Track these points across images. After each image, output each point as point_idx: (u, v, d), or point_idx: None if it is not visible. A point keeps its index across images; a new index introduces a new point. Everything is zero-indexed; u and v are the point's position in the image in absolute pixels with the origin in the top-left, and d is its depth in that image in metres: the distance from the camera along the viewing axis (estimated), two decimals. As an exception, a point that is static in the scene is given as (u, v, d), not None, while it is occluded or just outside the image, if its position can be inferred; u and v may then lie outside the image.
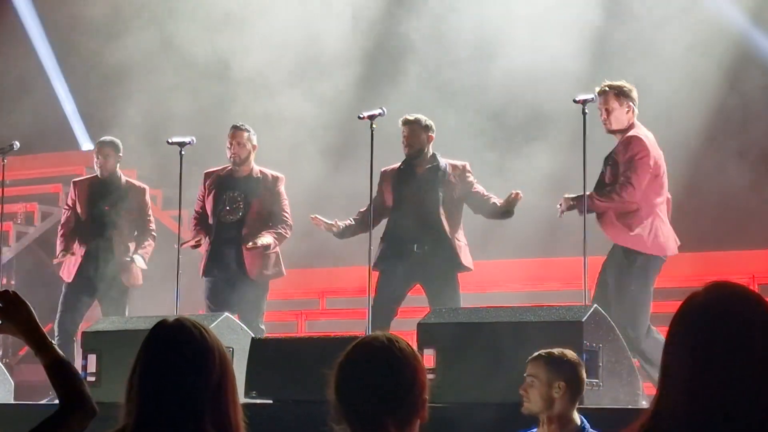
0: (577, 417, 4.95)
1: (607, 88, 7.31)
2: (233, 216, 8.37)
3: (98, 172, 8.96)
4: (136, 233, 8.94)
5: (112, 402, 2.88)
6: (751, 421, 2.19)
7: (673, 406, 2.25)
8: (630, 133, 7.26)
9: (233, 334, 6.83)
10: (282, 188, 8.53)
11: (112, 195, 8.86)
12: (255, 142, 8.48)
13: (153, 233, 9.00)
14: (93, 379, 6.86)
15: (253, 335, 6.91)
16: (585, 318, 5.83)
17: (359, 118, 7.79)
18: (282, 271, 8.46)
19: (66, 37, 13.50)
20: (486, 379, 5.80)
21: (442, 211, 7.92)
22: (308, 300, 12.48)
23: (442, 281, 7.86)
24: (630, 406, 5.98)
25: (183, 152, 8.29)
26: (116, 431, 2.81)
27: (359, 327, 9.06)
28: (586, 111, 7.23)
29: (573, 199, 7.28)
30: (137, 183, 9.20)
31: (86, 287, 8.78)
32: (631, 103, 7.28)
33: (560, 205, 7.34)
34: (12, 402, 7.88)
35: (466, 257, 7.94)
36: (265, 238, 8.28)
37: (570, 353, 5.05)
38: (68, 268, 8.85)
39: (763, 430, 2.20)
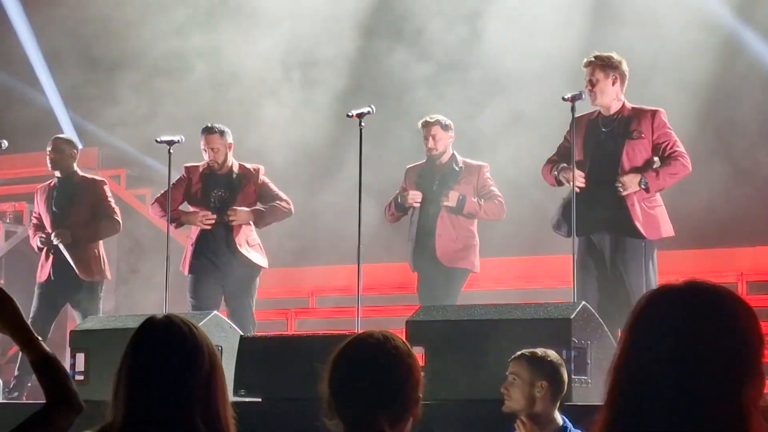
0: (558, 417, 4.97)
1: (593, 59, 7.23)
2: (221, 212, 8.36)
3: (50, 167, 8.96)
4: (100, 227, 8.90)
5: (101, 400, 2.88)
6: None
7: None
8: (648, 108, 7.22)
9: (222, 333, 6.83)
10: (264, 177, 8.55)
11: (70, 193, 8.86)
12: (230, 140, 8.45)
13: (117, 222, 8.95)
14: (81, 377, 6.85)
15: (242, 334, 6.90)
16: (573, 315, 5.84)
17: (348, 116, 7.78)
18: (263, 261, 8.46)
19: (55, 35, 13.48)
20: (475, 377, 5.81)
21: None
22: (298, 299, 12.48)
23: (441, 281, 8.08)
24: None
25: (171, 151, 8.28)
26: (102, 428, 2.80)
27: (349, 325, 9.06)
28: (575, 108, 7.20)
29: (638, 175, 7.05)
30: (95, 177, 9.22)
31: (57, 287, 8.74)
32: (617, 76, 7.21)
33: (620, 185, 7.06)
34: (0, 401, 7.89)
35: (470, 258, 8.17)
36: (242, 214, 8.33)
37: (552, 353, 5.06)
38: (41, 268, 8.84)
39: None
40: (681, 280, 2.26)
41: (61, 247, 8.71)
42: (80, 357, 6.99)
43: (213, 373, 2.78)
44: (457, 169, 8.24)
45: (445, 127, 8.27)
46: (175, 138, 8.24)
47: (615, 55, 7.23)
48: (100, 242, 8.94)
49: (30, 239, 9.19)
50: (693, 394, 2.15)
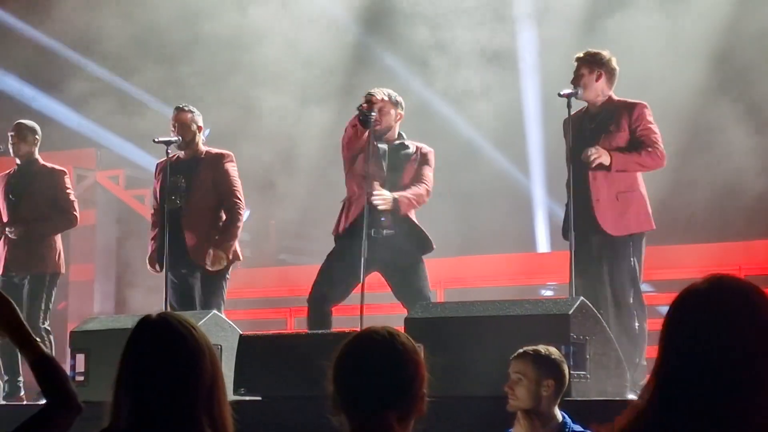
0: (558, 413, 4.99)
1: (582, 55, 7.29)
2: (177, 202, 8.09)
3: (11, 153, 8.82)
4: (56, 221, 8.81)
5: (101, 401, 2.88)
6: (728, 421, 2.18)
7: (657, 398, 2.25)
8: (632, 101, 7.24)
9: (222, 332, 6.83)
10: (230, 166, 8.22)
11: (28, 181, 8.79)
12: (200, 123, 8.23)
13: (74, 216, 8.83)
14: (81, 378, 6.85)
15: (242, 332, 6.91)
16: (572, 311, 5.85)
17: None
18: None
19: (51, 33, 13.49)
20: (474, 373, 5.81)
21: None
22: (297, 297, 12.49)
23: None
24: (617, 398, 6.00)
25: (169, 151, 8.25)
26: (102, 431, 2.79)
27: (349, 323, 9.05)
28: (571, 105, 7.24)
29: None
30: (56, 166, 9.02)
31: (11, 280, 8.67)
32: (602, 72, 7.25)
33: (591, 153, 7.03)
34: (1, 403, 7.90)
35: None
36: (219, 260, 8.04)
37: (555, 350, 5.09)
38: None
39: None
40: (703, 277, 2.28)
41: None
42: (80, 358, 6.99)
43: (216, 374, 2.77)
44: (406, 150, 7.74)
45: (395, 104, 7.72)
46: (173, 138, 8.20)
47: (605, 52, 7.29)
48: (58, 235, 8.83)
49: None
50: (731, 395, 2.17)
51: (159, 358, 2.77)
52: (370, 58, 12.60)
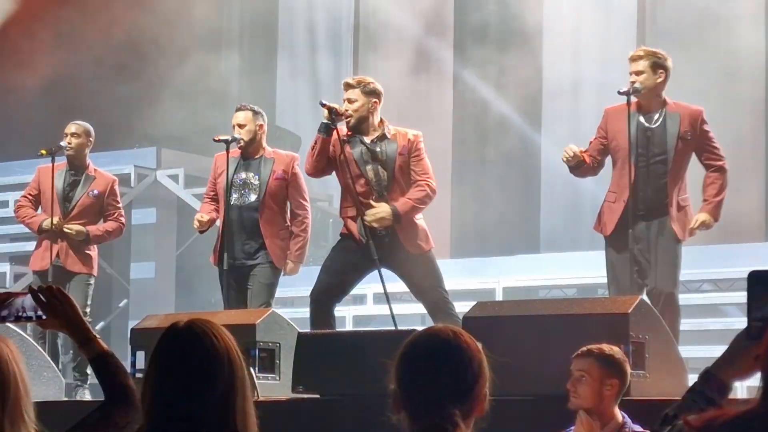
0: (618, 413, 4.97)
1: (641, 53, 7.23)
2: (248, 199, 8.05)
3: (64, 153, 8.88)
4: (110, 230, 8.92)
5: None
6: None
7: None
8: (694, 106, 7.21)
9: (280, 330, 6.86)
10: (299, 169, 8.11)
11: (79, 183, 8.87)
12: (261, 122, 8.10)
13: (122, 223, 8.95)
14: (142, 375, 6.90)
15: (300, 331, 6.94)
16: (631, 309, 5.81)
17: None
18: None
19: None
20: (532, 372, 5.79)
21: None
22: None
23: None
24: (677, 398, 5.95)
25: (230, 149, 8.24)
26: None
27: (405, 323, 9.06)
28: (631, 102, 7.19)
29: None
30: (106, 173, 9.13)
31: (54, 278, 8.72)
32: (662, 72, 7.19)
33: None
34: (63, 399, 7.99)
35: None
36: None
37: (617, 350, 5.08)
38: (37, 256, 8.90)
39: None
40: None
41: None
42: (140, 355, 7.04)
43: (232, 381, 2.75)
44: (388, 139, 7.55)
45: (371, 92, 7.48)
46: (234, 136, 8.17)
47: (663, 52, 7.24)
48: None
49: (21, 214, 9.02)
50: None
51: (178, 365, 2.77)
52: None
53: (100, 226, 8.89)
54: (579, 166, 7.33)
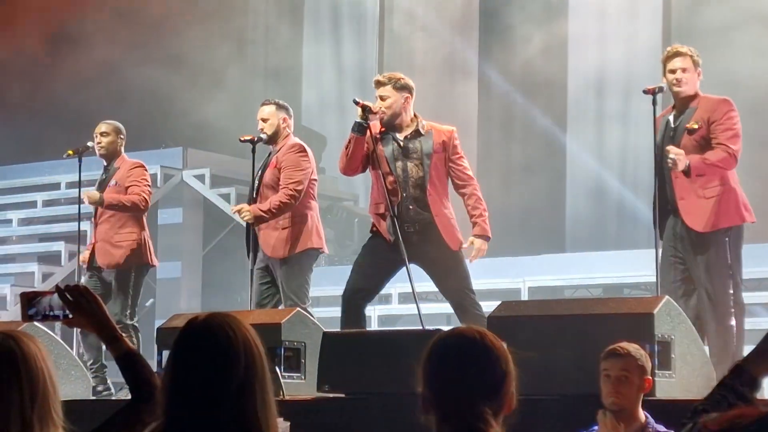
0: (641, 413, 4.98)
1: (685, 50, 7.09)
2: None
3: (96, 152, 8.88)
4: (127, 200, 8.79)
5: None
6: None
7: None
8: (717, 97, 7.10)
9: (305, 329, 6.87)
10: (297, 156, 8.00)
11: (112, 179, 8.85)
12: (284, 116, 8.09)
13: (142, 197, 8.73)
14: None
15: (325, 330, 6.95)
16: (656, 309, 5.80)
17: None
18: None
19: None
20: (558, 372, 5.79)
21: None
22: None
23: None
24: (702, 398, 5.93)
25: (255, 149, 8.28)
26: (155, 428, 2.81)
27: (431, 322, 9.07)
28: (657, 101, 7.14)
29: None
30: (135, 161, 9.01)
31: (99, 275, 8.80)
32: (700, 70, 7.13)
33: (671, 158, 6.80)
34: (90, 398, 8.04)
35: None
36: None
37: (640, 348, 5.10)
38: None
39: None
40: None
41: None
42: (166, 354, 7.07)
43: (249, 376, 2.74)
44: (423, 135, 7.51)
45: (402, 88, 7.45)
46: (259, 135, 8.21)
47: (693, 48, 7.17)
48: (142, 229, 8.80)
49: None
50: None
51: (194, 360, 2.76)
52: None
53: (116, 195, 8.74)
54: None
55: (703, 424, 2.34)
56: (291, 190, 7.88)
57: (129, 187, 8.78)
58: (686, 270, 6.98)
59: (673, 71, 7.05)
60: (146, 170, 8.99)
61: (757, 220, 7.14)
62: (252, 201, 8.06)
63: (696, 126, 7.00)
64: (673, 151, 6.88)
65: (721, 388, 2.59)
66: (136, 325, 8.75)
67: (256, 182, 8.07)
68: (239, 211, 7.93)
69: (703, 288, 6.87)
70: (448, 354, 2.85)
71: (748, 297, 10.18)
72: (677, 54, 7.09)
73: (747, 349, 2.79)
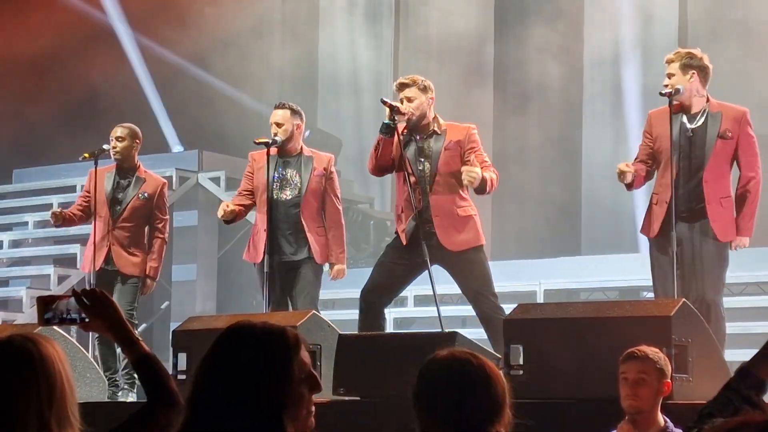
0: (660, 417, 4.96)
1: (672, 56, 7.14)
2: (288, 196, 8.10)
3: (111, 155, 8.87)
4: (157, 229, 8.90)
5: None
6: None
7: None
8: (737, 107, 7.11)
9: (321, 332, 6.86)
10: (335, 171, 8.22)
11: (129, 185, 8.87)
12: (298, 121, 8.14)
13: (165, 240, 8.92)
14: (183, 377, 6.94)
15: (341, 333, 6.94)
16: (673, 312, 5.78)
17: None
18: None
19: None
20: (573, 375, 5.77)
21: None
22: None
23: None
24: (720, 402, 5.91)
25: (270, 152, 8.27)
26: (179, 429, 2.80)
27: (446, 325, 9.05)
28: (674, 103, 7.12)
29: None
30: (156, 175, 9.09)
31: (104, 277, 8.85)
32: (695, 72, 7.11)
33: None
34: (105, 400, 8.05)
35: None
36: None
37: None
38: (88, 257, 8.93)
39: None
40: None
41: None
42: (182, 357, 7.07)
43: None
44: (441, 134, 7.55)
45: (424, 89, 7.49)
46: (273, 138, 8.21)
47: (697, 51, 7.16)
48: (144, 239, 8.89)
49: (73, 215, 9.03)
50: None
51: (225, 366, 2.71)
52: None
53: (153, 259, 8.83)
54: (632, 181, 7.21)
55: None
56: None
57: (156, 220, 8.87)
58: (683, 276, 7.01)
59: (666, 76, 7.12)
60: (166, 185, 9.11)
61: (756, 224, 7.18)
62: (269, 204, 8.06)
63: (729, 136, 7.04)
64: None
65: (727, 390, 2.57)
66: (135, 322, 8.85)
67: (305, 186, 8.05)
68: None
69: (702, 299, 6.93)
70: (444, 380, 2.88)
71: (747, 301, 10.20)
72: (668, 59, 7.20)
73: (750, 353, 2.77)
